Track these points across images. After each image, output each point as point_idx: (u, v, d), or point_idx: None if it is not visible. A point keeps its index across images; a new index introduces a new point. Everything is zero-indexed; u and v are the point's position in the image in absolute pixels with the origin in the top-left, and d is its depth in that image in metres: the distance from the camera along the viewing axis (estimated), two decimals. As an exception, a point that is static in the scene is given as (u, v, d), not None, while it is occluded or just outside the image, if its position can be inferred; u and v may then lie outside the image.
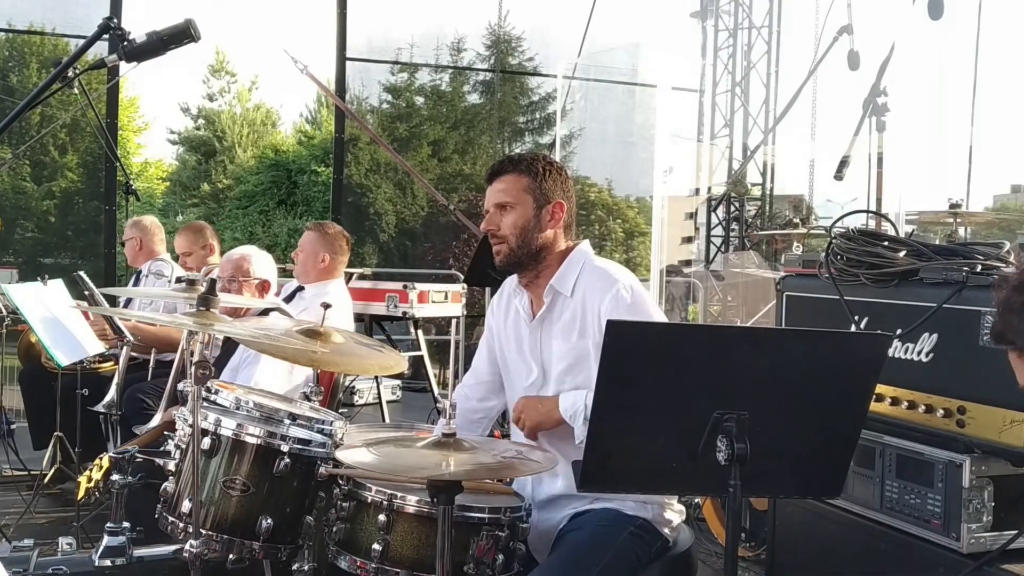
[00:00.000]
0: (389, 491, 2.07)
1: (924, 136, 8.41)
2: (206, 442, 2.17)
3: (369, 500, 2.10)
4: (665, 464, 1.79)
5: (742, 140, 9.69)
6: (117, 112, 8.16)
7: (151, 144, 23.72)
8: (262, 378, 3.18)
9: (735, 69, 9.70)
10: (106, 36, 2.11)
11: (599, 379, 1.73)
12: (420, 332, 6.05)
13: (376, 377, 6.47)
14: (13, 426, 4.86)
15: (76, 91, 2.18)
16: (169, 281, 4.56)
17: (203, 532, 2.11)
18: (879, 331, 2.15)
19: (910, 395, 2.44)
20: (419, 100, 17.14)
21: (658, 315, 2.42)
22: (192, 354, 2.48)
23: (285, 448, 2.19)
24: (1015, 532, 2.24)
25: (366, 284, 6.06)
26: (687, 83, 10.06)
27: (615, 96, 12.85)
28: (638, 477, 1.84)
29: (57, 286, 3.88)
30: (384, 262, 15.28)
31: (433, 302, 5.98)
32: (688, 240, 9.12)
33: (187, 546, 2.07)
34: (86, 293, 3.69)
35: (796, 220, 6.81)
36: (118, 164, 6.74)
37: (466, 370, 2.69)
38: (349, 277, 5.47)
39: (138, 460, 2.38)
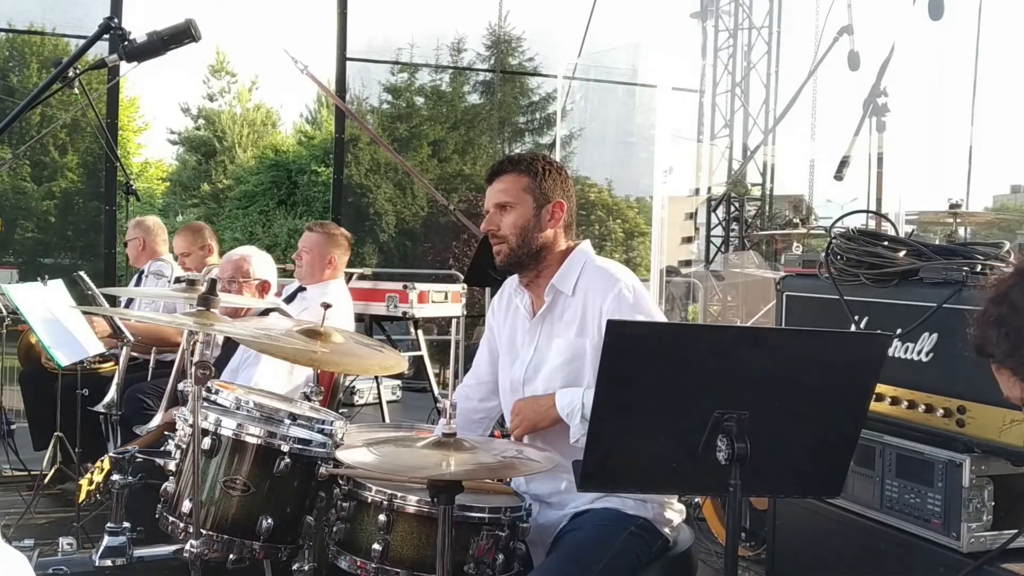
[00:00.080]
0: (389, 491, 2.07)
1: (924, 136, 8.41)
2: (206, 442, 2.17)
3: (369, 500, 2.10)
4: (665, 464, 1.79)
5: (742, 140, 9.69)
6: (117, 112, 8.15)
7: (151, 144, 23.79)
8: (262, 378, 3.19)
9: (735, 69, 9.70)
10: (106, 36, 2.11)
11: (599, 379, 1.73)
12: (420, 332, 6.05)
13: (376, 377, 6.47)
14: (13, 426, 4.86)
15: (76, 91, 2.18)
16: (169, 281, 4.56)
17: (203, 532, 2.11)
18: (879, 331, 2.16)
19: (910, 395, 2.44)
20: (419, 100, 17.13)
21: (659, 315, 2.42)
22: (192, 354, 2.48)
23: (285, 448, 2.19)
24: (1015, 531, 2.25)
25: (366, 284, 6.06)
26: (687, 83, 10.07)
27: (615, 96, 12.83)
28: (638, 477, 1.84)
29: (57, 286, 3.88)
30: (384, 262, 15.27)
31: (433, 302, 5.98)
32: (688, 240, 9.11)
33: (187, 546, 2.07)
34: (87, 293, 3.69)
35: (796, 220, 6.79)
36: (118, 164, 6.74)
37: (466, 370, 2.69)
38: (349, 277, 5.47)
39: (138, 460, 2.38)
